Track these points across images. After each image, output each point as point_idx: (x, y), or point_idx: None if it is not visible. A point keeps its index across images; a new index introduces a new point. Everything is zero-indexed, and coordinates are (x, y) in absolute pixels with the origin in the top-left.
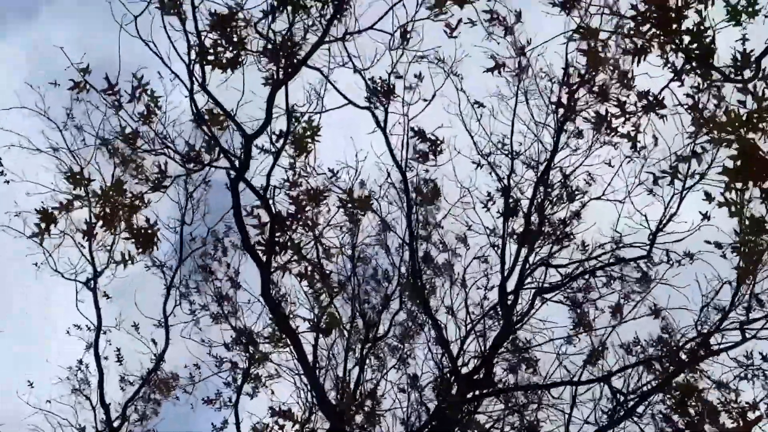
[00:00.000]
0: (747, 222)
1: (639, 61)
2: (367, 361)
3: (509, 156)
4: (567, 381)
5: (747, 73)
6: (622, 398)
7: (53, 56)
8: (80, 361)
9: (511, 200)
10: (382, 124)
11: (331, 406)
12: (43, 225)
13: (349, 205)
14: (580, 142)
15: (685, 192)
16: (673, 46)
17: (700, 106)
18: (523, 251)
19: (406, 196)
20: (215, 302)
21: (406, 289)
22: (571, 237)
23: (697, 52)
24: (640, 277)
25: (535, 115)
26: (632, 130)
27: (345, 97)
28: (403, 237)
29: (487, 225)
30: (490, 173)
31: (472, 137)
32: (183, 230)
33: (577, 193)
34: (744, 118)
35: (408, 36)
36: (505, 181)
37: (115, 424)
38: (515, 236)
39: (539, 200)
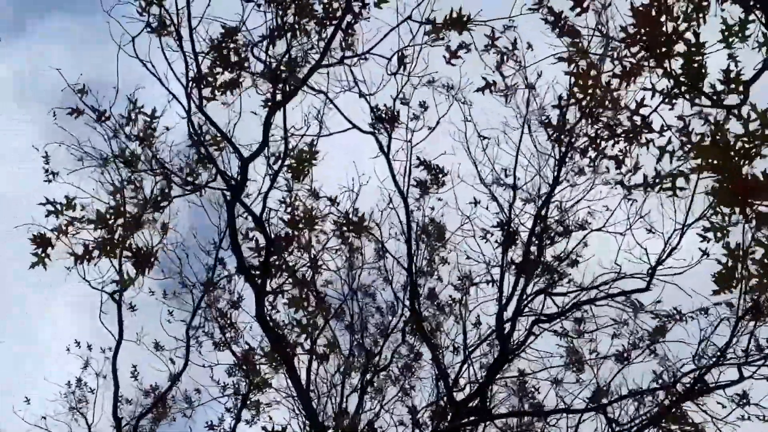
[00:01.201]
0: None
1: (628, 84)
2: (368, 389)
3: (511, 188)
4: (562, 409)
5: (735, 99)
6: (618, 429)
7: (44, 72)
8: (79, 379)
9: (511, 230)
10: (386, 150)
11: (323, 429)
12: (40, 251)
13: (345, 229)
14: (580, 179)
15: (685, 228)
16: (662, 70)
17: (690, 129)
18: (522, 283)
19: (407, 223)
20: (218, 328)
21: (408, 321)
22: (570, 269)
23: (684, 78)
24: (638, 308)
25: (538, 146)
26: (620, 154)
27: (349, 121)
28: (406, 267)
29: (487, 254)
30: (494, 204)
31: (476, 166)
32: (218, 253)
33: (574, 227)
34: (730, 143)
35: (405, 61)
36: (506, 212)
37: None
38: (514, 266)
39: (538, 232)
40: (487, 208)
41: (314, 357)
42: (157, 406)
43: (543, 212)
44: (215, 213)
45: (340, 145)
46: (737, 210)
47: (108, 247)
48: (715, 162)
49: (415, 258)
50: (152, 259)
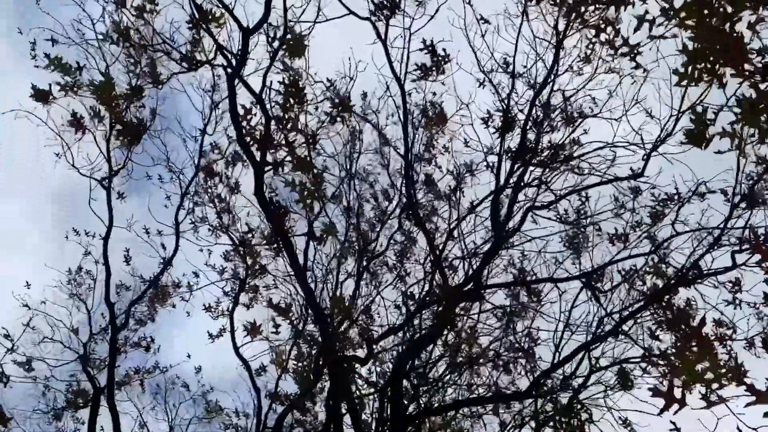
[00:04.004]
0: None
1: None
2: (364, 275)
3: (510, 75)
4: (546, 278)
5: None
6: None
7: None
8: (79, 267)
9: (509, 118)
10: (383, 37)
11: (320, 309)
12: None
13: (331, 107)
14: (579, 65)
15: (680, 114)
16: None
17: None
18: (518, 170)
19: (404, 110)
20: (215, 213)
21: (405, 208)
22: (567, 155)
23: None
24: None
25: (537, 33)
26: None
27: (346, 7)
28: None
29: (485, 141)
30: (493, 93)
31: (475, 53)
32: (204, 140)
33: (573, 114)
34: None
35: None
36: (505, 100)
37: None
38: (511, 153)
39: (536, 118)
40: (485, 86)
41: (311, 239)
42: (156, 292)
43: (541, 98)
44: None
45: (339, 33)
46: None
47: (103, 113)
48: (694, 21)
49: (411, 144)
50: (143, 132)
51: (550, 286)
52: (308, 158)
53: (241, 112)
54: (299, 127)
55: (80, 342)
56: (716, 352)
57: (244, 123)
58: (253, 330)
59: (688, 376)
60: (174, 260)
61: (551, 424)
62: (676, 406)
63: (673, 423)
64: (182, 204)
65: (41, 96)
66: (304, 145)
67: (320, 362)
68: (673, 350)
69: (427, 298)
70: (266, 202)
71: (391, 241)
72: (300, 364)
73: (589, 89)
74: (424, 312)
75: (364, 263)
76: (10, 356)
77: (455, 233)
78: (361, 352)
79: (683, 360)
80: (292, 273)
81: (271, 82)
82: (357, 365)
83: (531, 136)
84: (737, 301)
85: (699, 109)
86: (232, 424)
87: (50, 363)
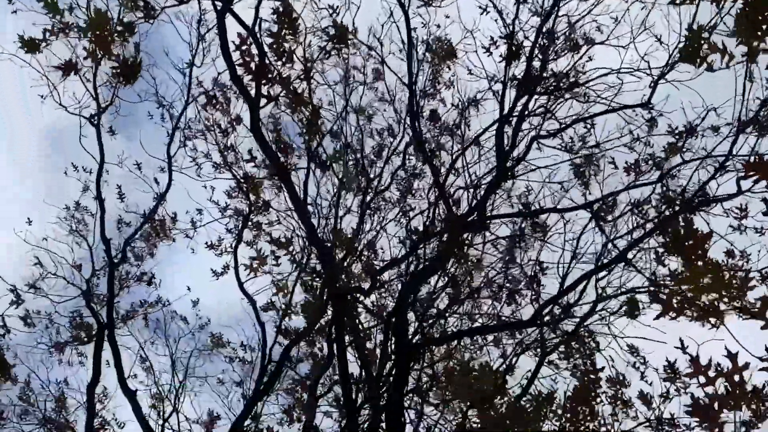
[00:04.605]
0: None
1: None
2: (367, 211)
3: (515, 0)
4: (550, 208)
5: None
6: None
7: None
8: (77, 203)
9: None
10: None
11: (321, 243)
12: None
13: (328, 38)
14: None
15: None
16: None
17: None
18: (523, 98)
19: (408, 35)
20: (217, 150)
21: (409, 143)
22: (572, 83)
23: None
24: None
25: None
26: None
27: None
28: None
29: (489, 70)
30: (497, 20)
31: None
32: (192, 72)
33: (579, 41)
34: None
35: None
36: (510, 26)
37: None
38: (516, 81)
39: (542, 45)
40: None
41: (314, 165)
42: (153, 227)
43: (547, 25)
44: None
45: None
46: None
47: (97, 52)
48: None
49: (416, 74)
50: (138, 71)
51: (555, 217)
52: (305, 92)
53: (233, 47)
54: (294, 59)
55: (83, 278)
56: (722, 271)
57: (239, 54)
58: (254, 264)
59: (692, 291)
60: (168, 195)
61: (558, 351)
62: (673, 313)
63: (681, 341)
64: (173, 137)
65: (31, 46)
66: (301, 78)
67: (324, 295)
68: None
69: (431, 229)
70: (263, 138)
71: (395, 176)
72: (304, 297)
73: (595, 14)
74: (428, 242)
75: (368, 199)
76: (15, 310)
77: (459, 163)
78: (365, 286)
79: (688, 276)
80: (293, 208)
81: (261, 20)
82: (361, 297)
83: (536, 64)
84: (743, 228)
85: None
86: (238, 357)
87: (53, 299)
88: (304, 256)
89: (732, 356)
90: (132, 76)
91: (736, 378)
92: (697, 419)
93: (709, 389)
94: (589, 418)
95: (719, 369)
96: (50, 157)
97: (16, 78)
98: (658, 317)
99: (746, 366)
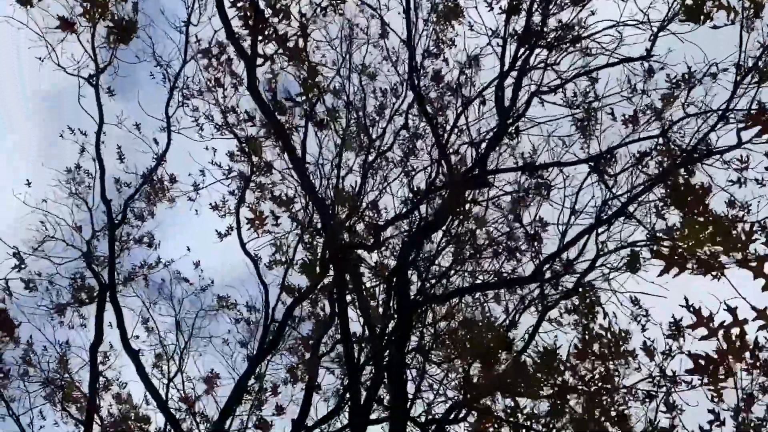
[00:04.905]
0: None
1: None
2: (369, 172)
3: None
4: (552, 162)
5: None
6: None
7: None
8: (77, 165)
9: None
10: None
11: (322, 201)
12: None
13: None
14: None
15: None
16: None
17: None
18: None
19: None
20: (219, 111)
21: (411, 104)
22: (573, 36)
23: None
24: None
25: None
26: None
27: None
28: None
29: (489, 25)
30: None
31: None
32: (189, 30)
33: None
34: None
35: None
36: None
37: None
38: (516, 37)
39: None
40: None
41: (311, 124)
42: (153, 187)
43: None
44: None
45: None
46: None
47: (93, 11)
48: None
49: (414, 30)
50: (134, 29)
51: (556, 172)
52: (302, 49)
53: (228, 3)
54: (291, 16)
55: (83, 240)
56: (722, 224)
57: (234, 11)
58: (255, 222)
59: (694, 243)
60: (169, 157)
61: (561, 306)
62: (676, 270)
63: (686, 299)
64: (171, 97)
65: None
66: (298, 35)
67: (325, 254)
68: (680, 226)
69: (433, 186)
70: (260, 96)
71: (398, 137)
72: (306, 255)
73: None
74: (430, 197)
75: (369, 159)
76: (17, 273)
77: (461, 119)
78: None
79: (689, 228)
80: (291, 166)
81: None
82: (363, 255)
83: (537, 19)
84: (743, 180)
85: None
86: (242, 317)
87: (54, 261)
88: (306, 216)
89: (731, 310)
90: (128, 36)
91: (737, 331)
92: (699, 375)
93: (710, 344)
94: (592, 372)
95: (722, 323)
96: (46, 121)
97: (12, 41)
98: (661, 274)
99: (746, 321)
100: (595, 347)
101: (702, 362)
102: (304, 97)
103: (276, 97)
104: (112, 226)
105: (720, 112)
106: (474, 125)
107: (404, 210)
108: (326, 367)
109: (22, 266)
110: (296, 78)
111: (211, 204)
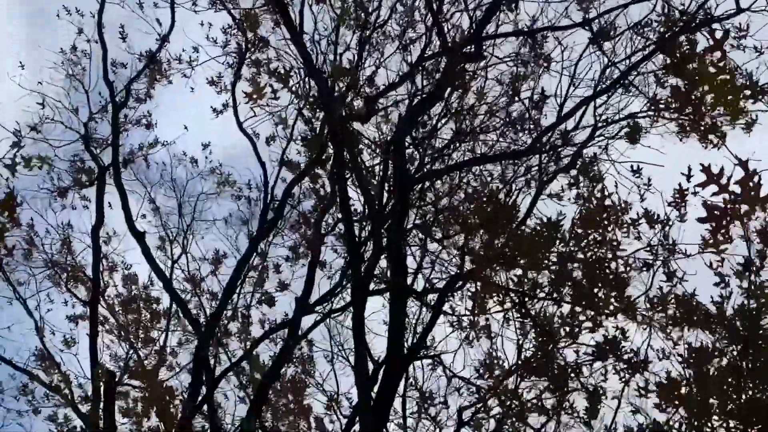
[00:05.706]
0: None
1: None
2: (366, 47)
3: None
4: (548, 26)
5: None
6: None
7: None
8: (74, 46)
9: None
10: None
11: (319, 74)
12: None
13: None
14: None
15: None
16: None
17: None
18: None
19: None
20: None
21: None
22: None
23: None
24: None
25: None
26: None
27: None
28: None
29: None
30: None
31: None
32: None
33: None
34: None
35: None
36: None
37: None
38: None
39: None
40: None
41: None
42: (152, 68)
43: None
44: None
45: None
46: None
47: None
48: None
49: None
50: None
51: (554, 44)
52: None
53: None
54: None
55: (80, 122)
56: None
57: None
58: (253, 95)
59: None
60: (171, 35)
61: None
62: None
63: (689, 168)
64: None
65: None
66: None
67: (324, 128)
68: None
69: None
70: None
71: (395, 10)
72: (304, 130)
73: None
74: (423, 65)
75: (366, 33)
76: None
77: None
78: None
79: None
80: (289, 37)
81: None
82: (361, 127)
83: None
84: (742, 47)
85: None
86: (244, 196)
87: (53, 143)
88: (304, 90)
89: (743, 163)
90: None
91: (750, 183)
92: (710, 226)
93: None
94: (595, 242)
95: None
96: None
97: None
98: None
99: (756, 172)
100: (596, 217)
101: (716, 212)
102: None
103: None
104: (115, 107)
105: None
106: None
107: (397, 79)
108: (328, 244)
109: (21, 146)
110: None
111: (207, 79)
